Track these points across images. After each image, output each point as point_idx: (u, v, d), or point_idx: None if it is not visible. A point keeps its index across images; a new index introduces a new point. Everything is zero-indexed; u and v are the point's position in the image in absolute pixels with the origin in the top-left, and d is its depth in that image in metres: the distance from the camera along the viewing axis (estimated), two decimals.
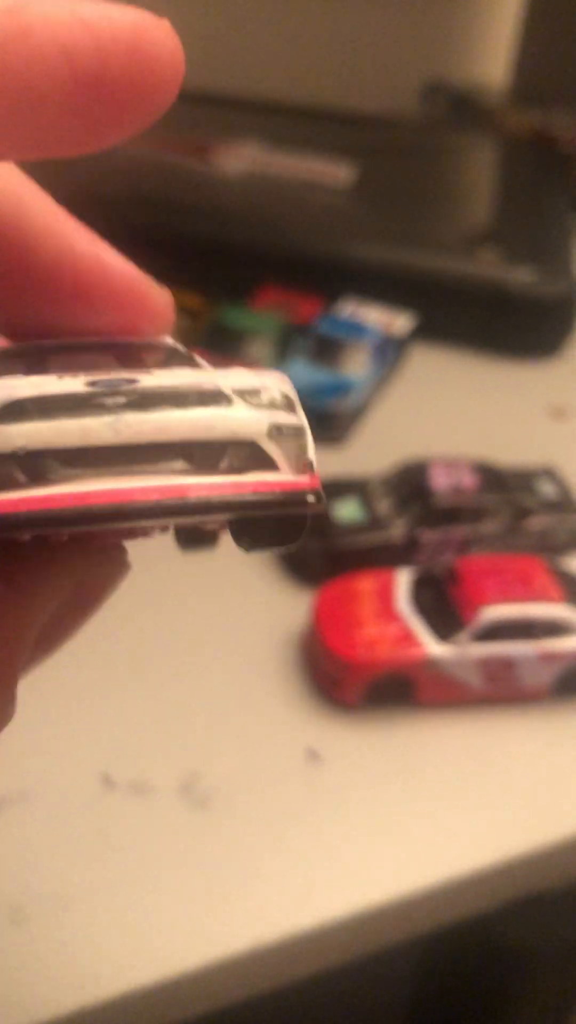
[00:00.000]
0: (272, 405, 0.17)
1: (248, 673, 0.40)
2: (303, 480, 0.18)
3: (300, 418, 0.18)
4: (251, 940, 0.32)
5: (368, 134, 0.88)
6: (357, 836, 0.35)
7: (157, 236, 0.65)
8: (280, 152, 0.79)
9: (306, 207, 0.72)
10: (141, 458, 0.16)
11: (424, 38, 1.10)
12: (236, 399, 0.17)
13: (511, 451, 0.52)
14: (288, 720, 0.39)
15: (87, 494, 0.15)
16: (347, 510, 0.46)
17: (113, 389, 0.16)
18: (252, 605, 0.44)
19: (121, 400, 0.16)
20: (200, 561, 0.46)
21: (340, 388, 0.55)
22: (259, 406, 0.17)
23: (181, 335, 0.67)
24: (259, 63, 1.03)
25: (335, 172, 0.77)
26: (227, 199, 0.71)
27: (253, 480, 0.17)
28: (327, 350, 0.57)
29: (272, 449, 0.17)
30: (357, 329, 0.58)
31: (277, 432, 0.17)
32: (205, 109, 0.89)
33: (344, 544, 0.44)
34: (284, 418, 0.17)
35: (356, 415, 0.56)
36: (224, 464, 0.16)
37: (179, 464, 0.16)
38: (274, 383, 0.18)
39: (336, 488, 0.47)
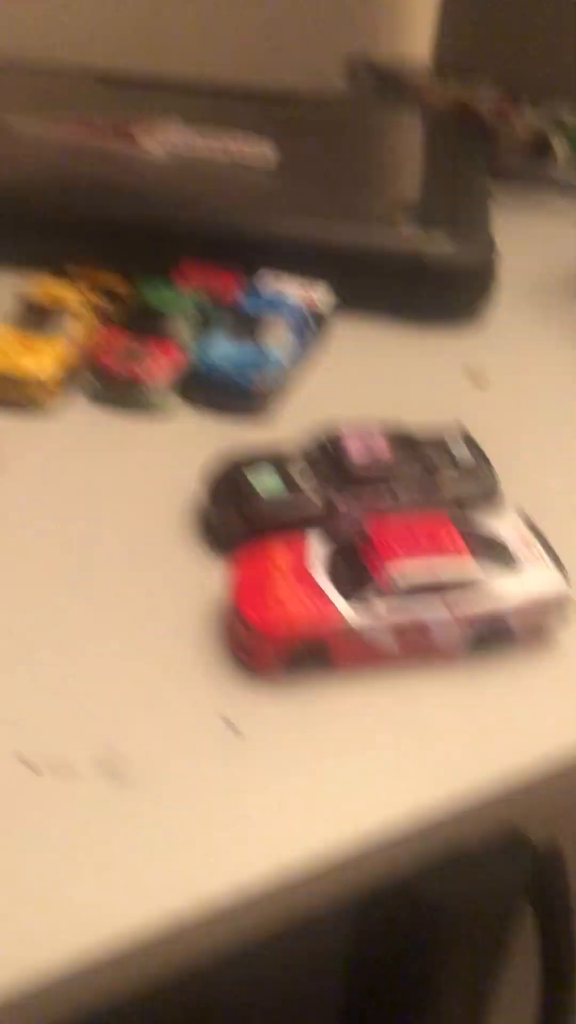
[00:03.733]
0: None
1: (164, 644, 0.40)
2: None
3: None
4: (167, 912, 0.32)
5: (291, 112, 0.88)
6: (278, 804, 0.35)
7: (78, 219, 0.65)
8: (202, 132, 0.78)
9: (227, 185, 0.72)
10: None
11: (347, 15, 1.10)
12: None
13: (431, 417, 0.52)
14: (205, 690, 0.39)
15: None
16: (266, 482, 0.46)
17: None
18: (168, 574, 0.44)
19: None
20: (116, 529, 0.46)
21: (261, 362, 0.55)
22: None
23: (105, 317, 0.67)
24: (181, 44, 1.02)
25: (257, 150, 0.77)
26: (148, 180, 0.71)
27: None
28: (247, 325, 0.57)
29: None
30: (276, 303, 0.58)
31: None
32: (126, 91, 0.88)
33: (262, 514, 0.45)
34: None
35: (278, 389, 0.56)
36: None
37: None
38: None
39: (253, 459, 0.47)
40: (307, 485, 0.46)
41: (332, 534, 0.42)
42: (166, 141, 0.76)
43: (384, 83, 1.03)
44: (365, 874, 0.36)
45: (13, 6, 0.95)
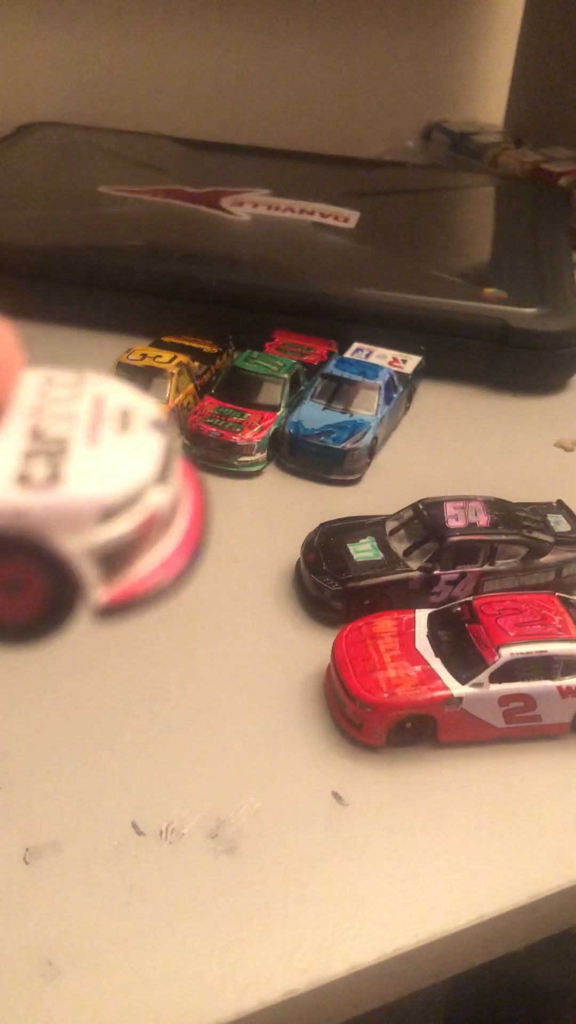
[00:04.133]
0: None
1: (270, 717, 0.41)
2: None
3: None
4: (281, 989, 0.32)
5: (371, 177, 0.90)
6: (383, 879, 0.35)
7: (169, 284, 0.67)
8: (287, 197, 0.80)
9: (315, 251, 0.73)
10: None
11: (423, 83, 1.12)
12: None
13: (522, 486, 0.52)
14: (311, 763, 0.39)
15: None
16: (363, 550, 0.46)
17: None
18: (271, 647, 0.44)
19: None
20: (220, 605, 0.47)
21: (353, 429, 0.56)
22: None
23: (198, 381, 0.67)
24: (266, 112, 1.05)
25: (341, 215, 0.79)
26: (238, 246, 0.73)
27: None
28: (338, 392, 0.58)
29: None
30: (367, 369, 0.59)
31: None
32: (214, 160, 0.91)
33: (361, 583, 0.45)
34: None
35: (369, 455, 0.56)
36: None
37: None
38: None
39: (352, 528, 0.48)
40: (403, 551, 0.46)
41: (437, 608, 0.42)
42: (252, 206, 0.78)
43: (459, 148, 1.05)
44: (471, 955, 0.36)
45: (109, 79, 0.99)
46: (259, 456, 0.55)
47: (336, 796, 0.38)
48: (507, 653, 0.39)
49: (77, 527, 0.18)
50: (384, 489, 0.55)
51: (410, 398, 0.63)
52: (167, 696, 0.41)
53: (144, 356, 0.58)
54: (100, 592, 0.18)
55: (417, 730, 0.39)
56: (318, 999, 0.32)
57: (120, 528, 0.18)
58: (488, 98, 1.15)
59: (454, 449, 0.60)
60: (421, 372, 0.63)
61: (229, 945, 0.32)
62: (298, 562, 0.48)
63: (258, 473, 0.56)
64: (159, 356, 0.58)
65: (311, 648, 0.44)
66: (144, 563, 0.19)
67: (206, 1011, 0.31)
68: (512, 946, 0.36)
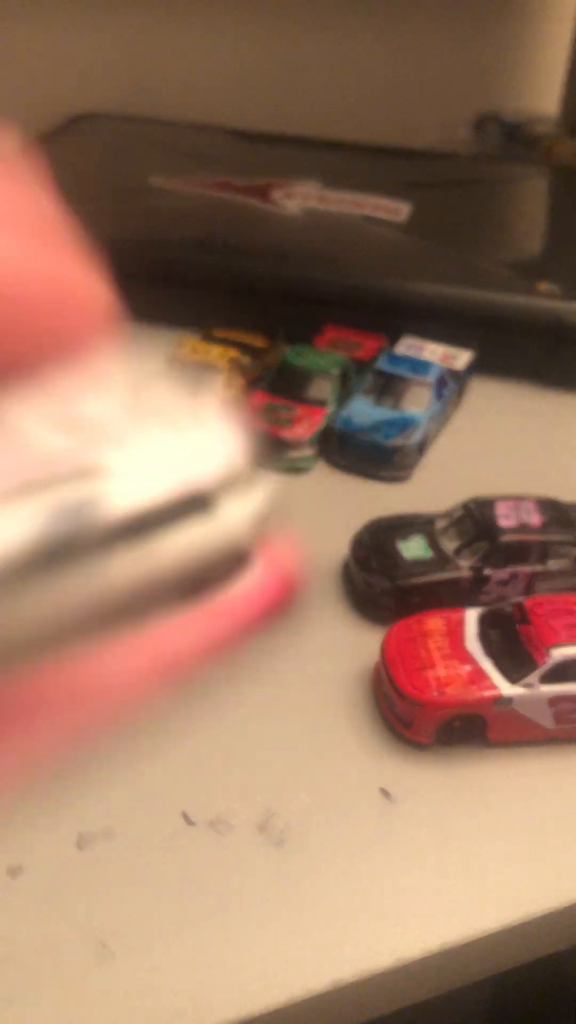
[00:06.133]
0: None
1: (319, 712, 0.41)
2: None
3: None
4: (329, 979, 0.32)
5: (422, 168, 0.89)
6: (431, 874, 0.35)
7: (219, 277, 0.67)
8: (338, 189, 0.80)
9: (365, 243, 0.73)
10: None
11: (476, 71, 1.11)
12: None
13: (574, 482, 0.52)
14: (360, 759, 0.39)
15: None
16: (413, 548, 0.47)
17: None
18: (321, 644, 0.45)
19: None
20: None
21: (403, 425, 0.56)
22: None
23: (249, 377, 0.68)
24: (316, 103, 1.05)
25: (392, 207, 0.78)
26: (287, 238, 0.73)
27: None
28: (388, 387, 0.58)
29: None
30: (418, 365, 0.59)
31: None
32: (264, 151, 0.91)
33: (411, 582, 0.45)
34: None
35: (419, 452, 0.56)
36: None
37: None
38: None
39: (402, 526, 0.48)
40: (454, 549, 0.46)
41: (487, 608, 0.42)
42: (303, 198, 0.78)
43: (512, 139, 1.04)
44: (517, 953, 0.36)
45: (161, 70, 1.00)
46: (309, 452, 0.56)
47: (384, 792, 0.38)
48: (558, 654, 0.39)
49: None
50: (434, 487, 0.55)
51: (461, 395, 0.63)
52: (218, 689, 0.42)
53: (195, 351, 0.58)
54: None
55: (466, 729, 0.39)
56: (364, 990, 0.32)
57: None
58: (543, 87, 1.14)
59: (506, 447, 0.60)
60: (473, 368, 0.63)
61: (278, 935, 0.33)
62: (347, 559, 0.48)
63: (308, 469, 0.56)
64: (209, 351, 0.58)
65: (360, 646, 0.44)
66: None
67: (255, 998, 0.31)
68: (558, 945, 0.37)
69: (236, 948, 0.33)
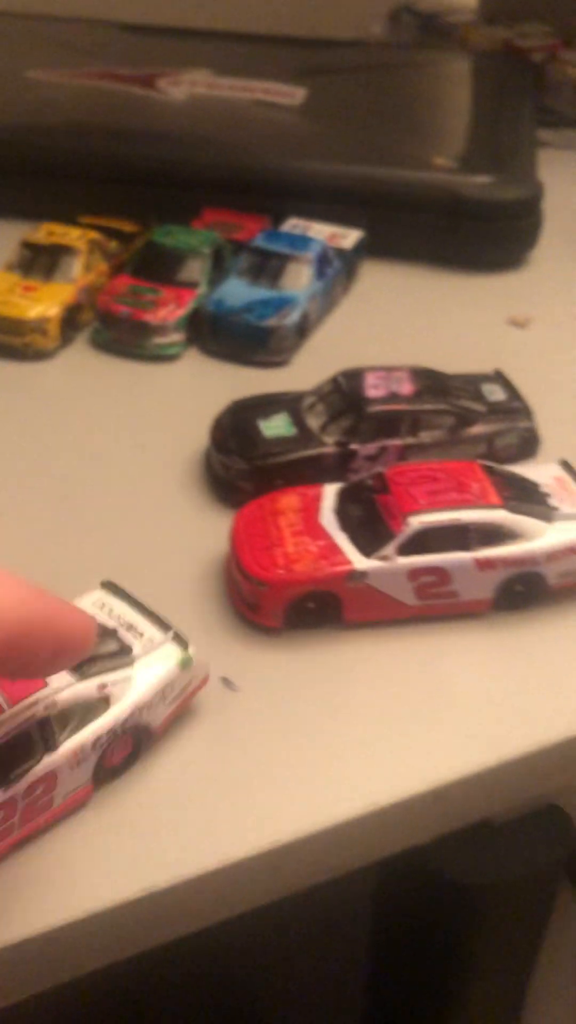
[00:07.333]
0: None
1: (164, 605, 0.37)
2: None
3: None
4: (140, 885, 0.28)
5: (325, 56, 0.83)
6: (275, 766, 0.32)
7: (93, 163, 0.62)
8: (229, 77, 0.74)
9: (254, 127, 0.68)
10: None
11: None
12: None
13: (467, 362, 0.47)
14: (203, 650, 0.35)
15: None
16: (275, 426, 0.42)
17: None
18: (171, 527, 0.41)
19: None
20: (118, 480, 0.43)
21: (279, 304, 0.51)
22: None
23: (113, 260, 0.61)
24: None
25: (287, 92, 0.73)
26: (171, 123, 0.68)
27: None
28: (265, 266, 0.53)
29: None
30: (297, 241, 0.54)
31: None
32: (157, 42, 0.85)
33: (269, 461, 0.41)
34: None
35: (298, 333, 0.52)
36: None
37: None
38: None
39: (265, 404, 0.43)
40: (319, 426, 0.42)
41: (348, 481, 0.38)
42: (192, 87, 0.73)
43: (427, 28, 0.98)
44: (378, 845, 0.32)
45: None
46: (176, 337, 0.51)
47: (226, 682, 0.34)
48: (416, 522, 0.35)
49: None
50: (315, 372, 0.50)
51: (350, 277, 0.58)
52: (59, 575, 0.38)
53: (51, 234, 0.53)
54: None
55: (321, 611, 0.35)
56: (186, 894, 0.29)
57: None
58: None
59: (398, 329, 0.56)
60: (363, 249, 0.58)
61: (107, 841, 0.29)
62: (207, 442, 0.44)
63: (176, 356, 0.51)
64: (67, 234, 0.53)
65: (216, 533, 0.40)
66: None
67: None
68: (421, 837, 0.33)
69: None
